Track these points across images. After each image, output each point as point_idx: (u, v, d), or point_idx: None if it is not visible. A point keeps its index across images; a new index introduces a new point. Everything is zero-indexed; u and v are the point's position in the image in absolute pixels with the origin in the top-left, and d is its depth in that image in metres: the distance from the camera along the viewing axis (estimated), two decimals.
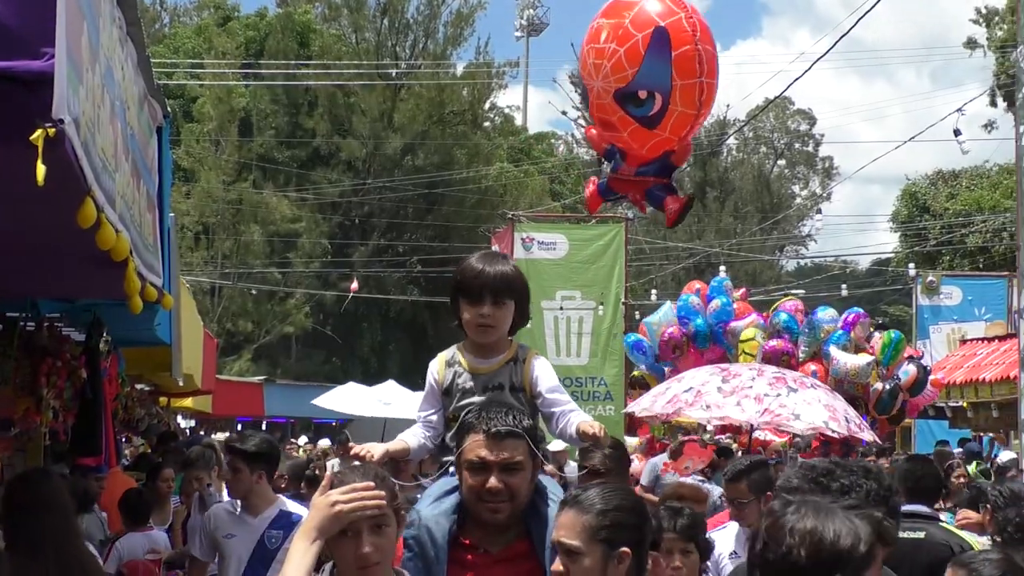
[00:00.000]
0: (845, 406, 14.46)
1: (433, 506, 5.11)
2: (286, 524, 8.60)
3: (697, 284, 27.92)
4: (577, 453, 13.76)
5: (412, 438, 5.67)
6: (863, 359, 22.94)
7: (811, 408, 13.73)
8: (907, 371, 23.41)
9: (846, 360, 22.86)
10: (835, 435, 15.00)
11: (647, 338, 26.37)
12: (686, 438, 21.11)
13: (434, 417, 5.67)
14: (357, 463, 5.05)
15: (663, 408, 15.05)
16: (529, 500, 5.05)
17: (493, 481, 4.89)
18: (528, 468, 5.01)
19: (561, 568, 4.46)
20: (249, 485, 8.78)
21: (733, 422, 16.80)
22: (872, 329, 25.04)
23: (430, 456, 5.80)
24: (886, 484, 4.93)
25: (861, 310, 25.77)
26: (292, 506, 9.02)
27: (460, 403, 5.52)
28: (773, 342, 23.56)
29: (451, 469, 5.23)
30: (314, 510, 4.26)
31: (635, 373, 27.65)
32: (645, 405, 15.97)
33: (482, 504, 4.94)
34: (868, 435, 14.55)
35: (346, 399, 33.43)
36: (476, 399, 5.47)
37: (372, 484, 4.30)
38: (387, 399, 30.66)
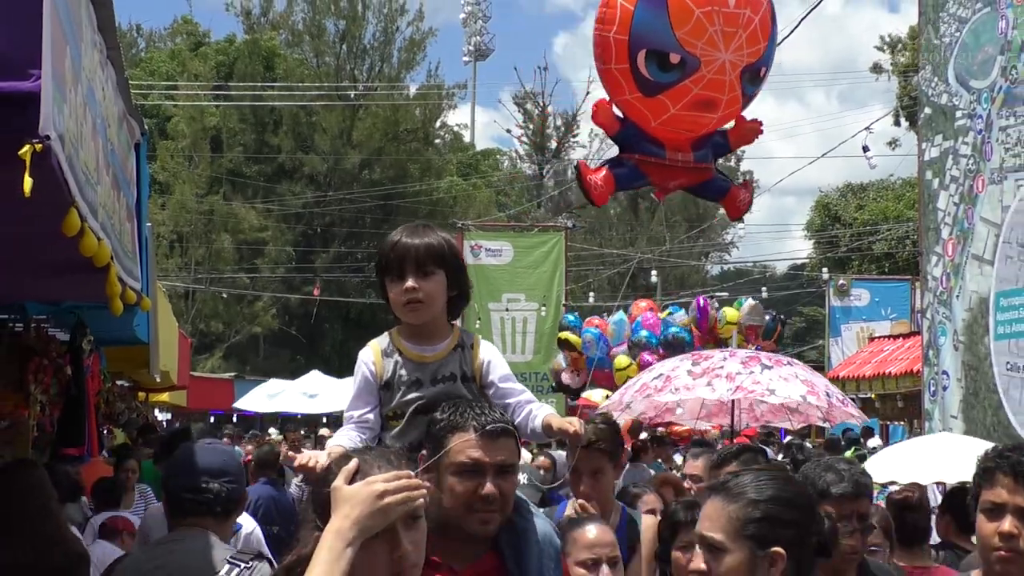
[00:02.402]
0: (826, 383, 13.30)
1: None
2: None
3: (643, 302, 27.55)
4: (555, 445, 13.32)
5: (348, 442, 4.46)
6: None
7: (788, 384, 12.08)
8: None
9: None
10: (816, 409, 13.47)
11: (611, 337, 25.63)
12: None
13: (370, 416, 4.60)
14: (371, 446, 4.00)
15: (632, 397, 13.40)
16: None
17: (489, 486, 3.96)
18: (516, 473, 4.22)
19: (702, 566, 3.55)
20: None
21: (705, 402, 14.89)
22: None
23: None
24: None
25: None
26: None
27: (405, 397, 4.52)
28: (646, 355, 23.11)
29: None
30: (349, 504, 3.10)
31: (561, 335, 26.35)
32: (615, 396, 14.24)
33: (472, 514, 3.99)
34: (854, 411, 12.89)
35: (269, 396, 30.89)
36: (424, 391, 4.49)
37: (410, 471, 3.25)
38: (312, 391, 28.38)
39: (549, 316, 29.07)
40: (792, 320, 32.04)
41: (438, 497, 3.96)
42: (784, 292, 55.90)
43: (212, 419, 41.92)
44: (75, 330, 10.67)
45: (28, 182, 3.34)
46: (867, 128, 30.19)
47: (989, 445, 4.59)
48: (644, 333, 24.23)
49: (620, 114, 7.69)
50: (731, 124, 7.86)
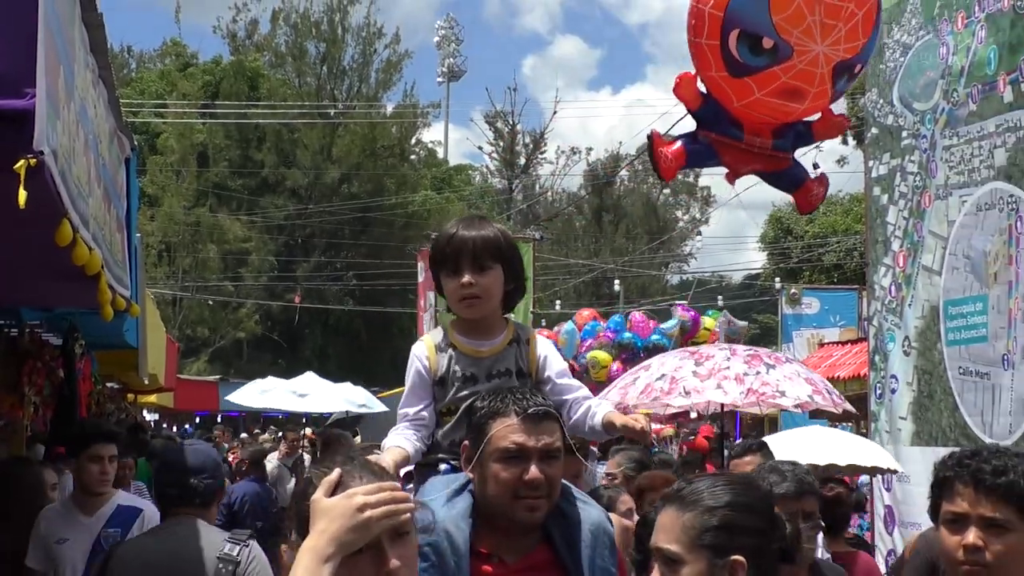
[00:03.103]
0: (822, 379, 12.93)
1: (448, 507, 3.76)
2: (126, 520, 7.05)
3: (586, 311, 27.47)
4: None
5: (406, 442, 4.13)
6: None
7: (793, 384, 11.53)
8: None
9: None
10: (826, 408, 12.84)
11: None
12: None
13: (425, 413, 4.21)
14: (349, 457, 3.14)
15: (639, 400, 12.48)
16: None
17: (534, 471, 3.63)
18: (562, 458, 3.77)
19: None
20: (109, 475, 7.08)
21: (717, 406, 13.37)
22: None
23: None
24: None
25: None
26: (128, 498, 7.41)
27: (460, 393, 4.15)
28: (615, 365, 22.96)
29: (441, 467, 4.07)
30: (327, 519, 2.72)
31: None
32: (615, 398, 12.83)
33: (518, 501, 3.65)
34: (849, 406, 12.34)
35: (261, 391, 27.76)
36: (479, 387, 4.11)
37: (396, 483, 2.90)
38: (303, 390, 26.02)
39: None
40: (748, 326, 32.54)
41: (482, 487, 3.74)
42: (739, 300, 56.03)
43: (198, 419, 41.82)
44: (67, 334, 10.65)
45: (23, 195, 3.33)
46: (817, 147, 30.30)
47: (852, 436, 4.53)
48: (628, 335, 24.19)
49: (704, 90, 6.93)
50: (817, 116, 7.17)
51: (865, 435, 12.45)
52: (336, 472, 2.82)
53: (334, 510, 2.71)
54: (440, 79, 78.72)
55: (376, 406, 18.36)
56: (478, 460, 3.74)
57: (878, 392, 10.48)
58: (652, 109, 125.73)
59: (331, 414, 23.53)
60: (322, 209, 59.17)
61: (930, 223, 9.70)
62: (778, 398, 11.74)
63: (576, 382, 4.41)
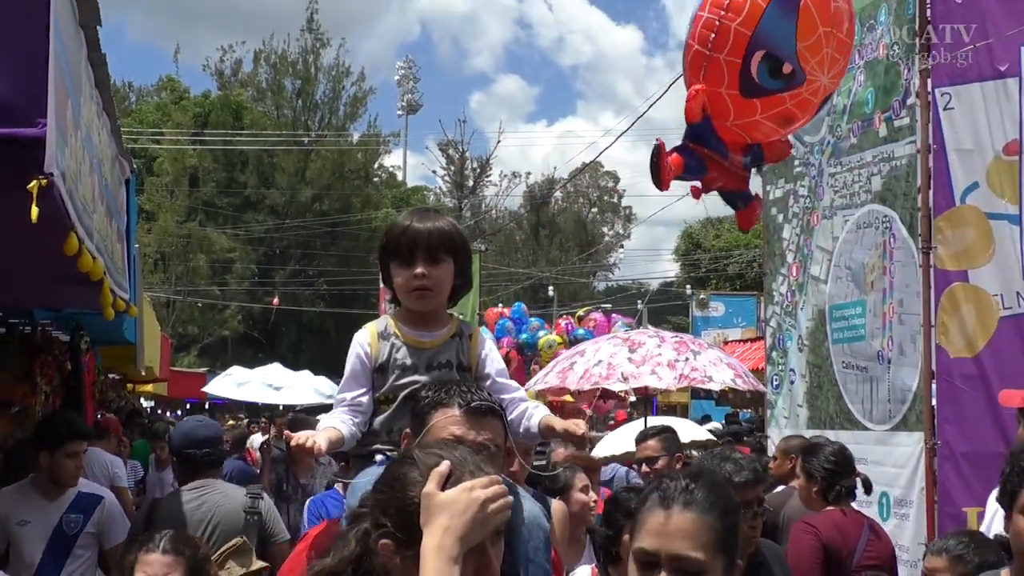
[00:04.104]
0: (739, 363, 12.61)
1: None
2: (87, 506, 6.73)
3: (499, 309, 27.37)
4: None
5: (341, 424, 3.64)
6: None
7: (718, 369, 11.15)
8: None
9: None
10: (744, 390, 12.39)
11: None
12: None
13: (364, 399, 3.70)
14: (450, 443, 2.83)
15: (579, 384, 12.04)
16: None
17: None
18: (502, 455, 3.30)
19: None
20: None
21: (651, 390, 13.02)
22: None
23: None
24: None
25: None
26: (88, 485, 7.08)
27: (399, 381, 3.68)
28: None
29: (377, 458, 3.54)
30: (447, 514, 2.25)
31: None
32: (553, 382, 12.62)
33: None
34: (761, 387, 11.65)
35: (237, 384, 25.54)
36: (419, 377, 3.66)
37: (499, 476, 2.44)
38: (277, 383, 23.65)
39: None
40: (662, 327, 32.77)
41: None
42: (656, 304, 56.20)
43: (188, 406, 41.49)
44: (74, 332, 10.57)
45: (35, 211, 3.34)
46: None
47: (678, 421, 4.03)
48: (581, 331, 24.25)
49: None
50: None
51: (762, 420, 12.53)
52: (446, 464, 2.37)
53: (455, 505, 2.27)
54: (400, 112, 78.58)
55: None
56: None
57: (775, 383, 10.54)
58: (581, 139, 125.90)
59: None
60: (297, 224, 58.94)
61: (818, 239, 9.76)
62: (707, 382, 11.59)
63: (514, 383, 3.99)
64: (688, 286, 45.00)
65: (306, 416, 12.49)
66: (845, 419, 9.14)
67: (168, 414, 36.91)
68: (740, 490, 4.50)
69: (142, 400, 31.11)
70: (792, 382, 10.15)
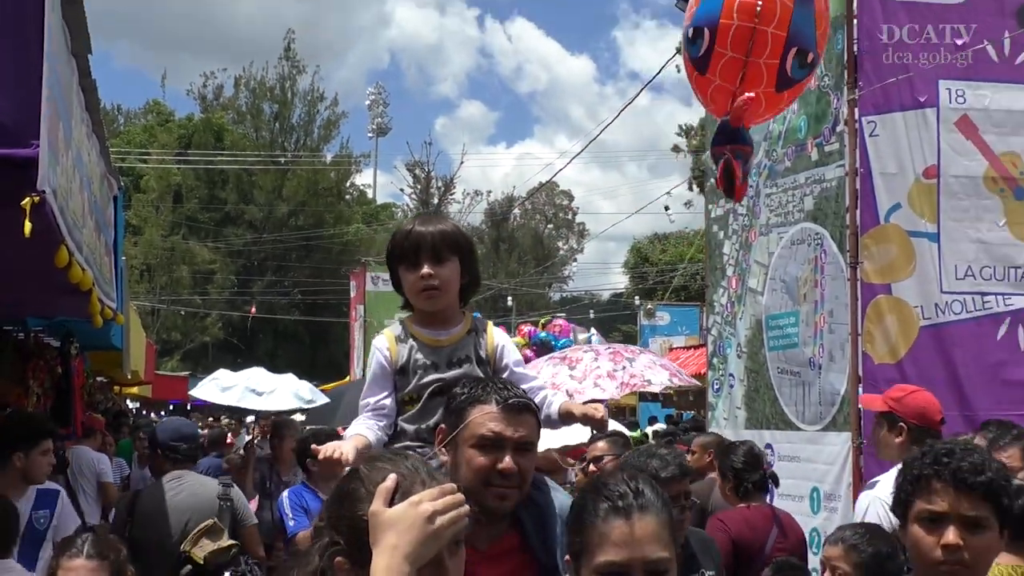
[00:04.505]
0: (671, 363, 12.45)
1: None
2: (50, 501, 6.51)
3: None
4: None
5: (368, 431, 3.50)
6: None
7: (655, 371, 11.09)
8: None
9: None
10: (682, 387, 12.17)
11: None
12: None
13: (387, 401, 3.58)
14: (400, 452, 2.56)
15: None
16: None
17: (508, 461, 3.02)
18: (536, 451, 3.20)
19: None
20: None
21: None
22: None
23: None
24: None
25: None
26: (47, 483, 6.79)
27: (423, 380, 3.54)
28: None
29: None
30: (395, 532, 2.02)
31: None
32: None
33: (490, 488, 3.03)
34: (695, 381, 11.36)
35: (222, 389, 24.97)
36: (442, 375, 3.53)
37: (453, 484, 2.20)
38: (260, 388, 22.01)
39: None
40: (612, 335, 32.83)
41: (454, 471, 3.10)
42: (607, 314, 56.39)
43: (171, 407, 41.16)
44: (65, 338, 10.50)
45: (28, 226, 3.33)
46: (668, 193, 30.77)
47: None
48: (544, 335, 24.24)
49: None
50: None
51: (704, 420, 12.58)
52: (392, 479, 2.12)
53: (401, 522, 2.03)
54: (370, 134, 78.35)
55: (320, 399, 18.17)
56: (454, 444, 3.13)
57: (716, 387, 10.59)
58: (538, 160, 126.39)
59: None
60: (274, 238, 58.70)
61: (755, 254, 9.82)
62: (647, 386, 11.50)
63: (532, 372, 3.89)
64: (636, 297, 45.12)
65: (289, 419, 12.42)
66: (780, 420, 9.20)
67: (152, 415, 36.61)
68: (667, 485, 4.32)
69: (128, 401, 30.83)
70: (732, 386, 10.20)
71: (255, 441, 12.35)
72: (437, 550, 2.04)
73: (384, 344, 3.63)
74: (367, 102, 78.97)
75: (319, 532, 2.26)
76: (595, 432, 5.08)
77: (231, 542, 6.43)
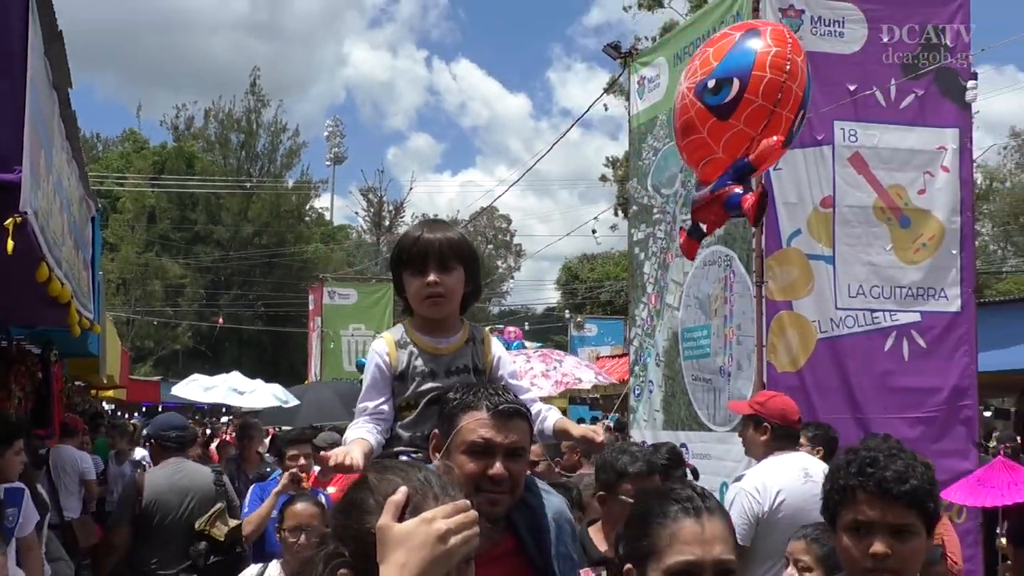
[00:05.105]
0: (592, 364, 12.40)
1: None
2: (17, 499, 5.99)
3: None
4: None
5: (369, 435, 3.17)
6: None
7: (581, 370, 11.36)
8: None
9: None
10: (605, 385, 12.14)
11: None
12: None
13: (385, 407, 3.25)
14: (403, 460, 2.35)
15: None
16: None
17: (499, 467, 2.77)
18: (528, 456, 2.94)
19: None
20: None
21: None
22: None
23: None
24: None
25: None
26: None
27: (421, 388, 3.22)
28: None
29: (401, 459, 2.75)
30: (405, 550, 1.73)
31: None
32: None
33: (480, 494, 2.72)
34: (612, 379, 11.21)
35: (204, 389, 24.44)
36: (439, 383, 3.22)
37: (467, 499, 1.89)
38: (240, 388, 21.43)
39: None
40: (545, 345, 33.16)
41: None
42: (540, 326, 56.44)
43: (144, 409, 40.59)
44: (45, 346, 10.34)
45: (11, 244, 3.32)
46: (595, 218, 30.88)
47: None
48: (496, 338, 24.29)
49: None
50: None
51: (627, 421, 12.63)
52: (403, 492, 1.83)
53: (412, 539, 1.74)
54: (328, 162, 77.87)
55: (292, 400, 18.11)
56: (446, 451, 2.87)
57: (637, 392, 10.63)
58: (480, 187, 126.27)
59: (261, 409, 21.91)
60: (240, 255, 58.22)
61: (672, 273, 9.88)
62: (578, 384, 11.53)
63: (526, 384, 3.59)
64: (567, 311, 45.27)
65: (255, 420, 12.29)
66: (694, 422, 9.24)
67: (127, 416, 36.11)
68: (636, 480, 4.33)
69: (104, 404, 30.37)
70: (651, 391, 10.24)
71: (226, 441, 12.26)
72: (448, 569, 1.76)
73: (384, 348, 3.31)
74: (325, 133, 78.49)
75: (324, 539, 2.00)
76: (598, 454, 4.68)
77: (236, 523, 6.95)
